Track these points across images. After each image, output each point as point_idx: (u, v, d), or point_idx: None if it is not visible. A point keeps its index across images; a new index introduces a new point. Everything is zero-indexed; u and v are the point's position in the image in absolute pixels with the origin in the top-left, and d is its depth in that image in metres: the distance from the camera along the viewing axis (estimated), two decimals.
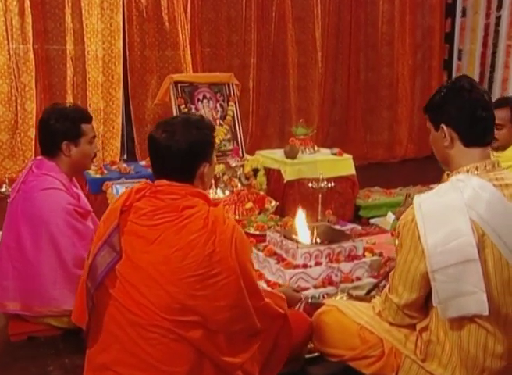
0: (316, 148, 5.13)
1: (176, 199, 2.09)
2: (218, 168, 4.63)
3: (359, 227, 4.46)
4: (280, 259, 3.32)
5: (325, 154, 5.11)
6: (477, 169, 2.03)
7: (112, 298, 2.04)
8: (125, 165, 4.74)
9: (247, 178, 4.53)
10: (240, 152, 4.95)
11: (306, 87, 7.61)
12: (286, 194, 4.73)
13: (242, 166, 4.57)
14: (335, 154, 5.04)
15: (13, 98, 6.01)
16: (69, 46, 6.23)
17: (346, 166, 4.98)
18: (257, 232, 3.90)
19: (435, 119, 2.10)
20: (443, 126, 2.04)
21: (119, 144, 6.67)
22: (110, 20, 6.37)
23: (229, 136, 5.00)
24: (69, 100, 6.27)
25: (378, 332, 2.27)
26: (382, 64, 8.10)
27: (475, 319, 1.97)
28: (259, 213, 4.34)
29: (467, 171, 2.03)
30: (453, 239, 1.92)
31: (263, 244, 3.58)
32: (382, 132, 8.10)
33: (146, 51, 6.65)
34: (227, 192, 3.89)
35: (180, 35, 6.65)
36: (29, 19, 5.92)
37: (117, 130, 6.62)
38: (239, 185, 4.47)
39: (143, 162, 4.97)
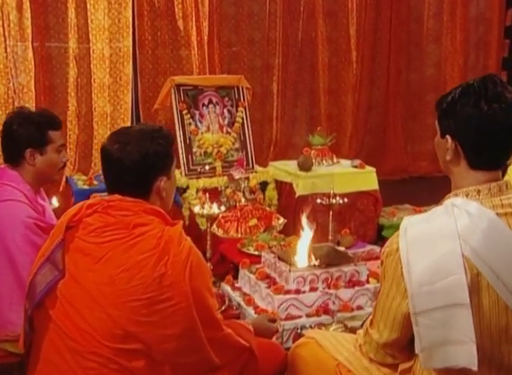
0: (335, 159, 5.14)
1: (127, 216, 2.14)
2: (222, 181, 4.69)
3: (378, 249, 4.43)
4: (272, 283, 3.34)
5: (344, 166, 5.12)
6: (478, 192, 1.88)
7: (51, 321, 2.10)
8: None
9: (253, 192, 4.58)
10: (250, 163, 4.99)
11: (338, 91, 7.61)
12: (297, 211, 4.75)
13: (247, 178, 4.61)
14: (356, 166, 5.05)
15: (10, 100, 6.15)
16: (73, 44, 6.36)
17: (368, 180, 4.98)
18: (256, 252, 3.92)
19: (441, 123, 1.96)
20: (448, 137, 1.92)
21: None
22: (118, 16, 6.48)
23: (237, 145, 5.04)
24: (72, 103, 6.42)
25: (356, 370, 2.24)
26: (427, 64, 8.04)
27: (465, 370, 1.90)
28: (264, 231, 4.37)
29: (467, 195, 1.92)
30: (441, 277, 1.82)
31: (258, 265, 3.62)
32: (426, 142, 7.96)
33: (158, 50, 6.74)
34: (223, 207, 3.92)
35: (196, 33, 6.72)
36: (28, 13, 6.05)
37: None
38: (242, 200, 4.51)
39: None
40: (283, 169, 5.03)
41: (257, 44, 7.24)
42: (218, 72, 6.85)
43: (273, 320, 2.79)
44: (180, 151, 4.84)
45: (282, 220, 4.53)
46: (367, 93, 7.74)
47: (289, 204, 4.83)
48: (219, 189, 4.59)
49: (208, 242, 3.90)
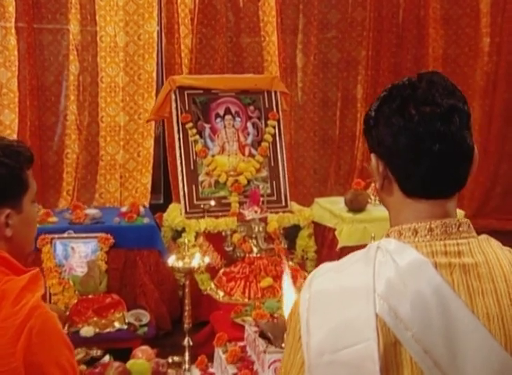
0: None
1: None
2: (233, 222, 4.77)
3: None
4: (243, 368, 3.40)
5: None
6: (415, 233, 1.94)
7: None
8: (89, 210, 4.98)
9: (271, 239, 4.63)
10: (283, 199, 5.06)
11: None
12: None
13: (264, 220, 4.66)
14: None
15: None
16: (73, 27, 6.62)
17: None
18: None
19: (366, 139, 1.98)
20: (373, 156, 1.92)
21: (149, 181, 6.85)
22: None
23: (264, 173, 5.08)
24: (72, 109, 6.67)
25: None
26: None
27: None
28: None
29: (400, 235, 1.98)
30: (346, 345, 1.86)
31: (242, 343, 3.69)
32: None
33: (189, 38, 6.83)
34: (207, 259, 4.01)
35: (246, 14, 6.87)
36: None
37: (146, 159, 6.81)
38: (254, 250, 4.57)
39: (123, 208, 5.16)
40: (329, 208, 5.05)
41: (333, 30, 7.27)
42: (278, 70, 6.89)
43: None
44: (180, 179, 4.93)
45: None
46: (503, 100, 7.60)
47: (333, 257, 4.85)
48: (223, 234, 4.66)
49: (187, 308, 3.95)
